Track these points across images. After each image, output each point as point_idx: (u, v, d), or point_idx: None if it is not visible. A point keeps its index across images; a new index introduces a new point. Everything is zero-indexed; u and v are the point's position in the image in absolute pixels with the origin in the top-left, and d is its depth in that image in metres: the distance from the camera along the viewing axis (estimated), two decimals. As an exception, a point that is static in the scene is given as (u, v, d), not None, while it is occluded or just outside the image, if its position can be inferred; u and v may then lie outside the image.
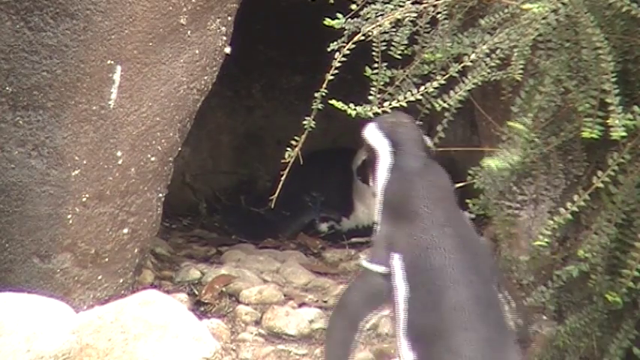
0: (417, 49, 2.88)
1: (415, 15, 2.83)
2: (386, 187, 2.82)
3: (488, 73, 2.62)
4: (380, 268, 2.81)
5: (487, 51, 2.62)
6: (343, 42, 2.86)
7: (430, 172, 2.82)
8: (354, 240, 4.35)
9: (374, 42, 2.85)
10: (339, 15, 2.86)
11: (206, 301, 3.62)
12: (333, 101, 2.78)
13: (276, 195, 3.14)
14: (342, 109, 2.80)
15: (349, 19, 2.87)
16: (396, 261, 2.76)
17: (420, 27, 2.86)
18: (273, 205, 3.21)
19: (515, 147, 2.48)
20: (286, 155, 3.04)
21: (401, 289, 2.77)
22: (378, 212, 2.92)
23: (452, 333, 2.82)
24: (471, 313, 2.78)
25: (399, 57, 2.85)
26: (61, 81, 3.24)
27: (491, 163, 2.42)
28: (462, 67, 2.68)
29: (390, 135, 2.82)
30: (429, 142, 2.92)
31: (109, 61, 3.26)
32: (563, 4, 2.48)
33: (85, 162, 3.29)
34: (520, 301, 2.99)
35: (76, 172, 3.29)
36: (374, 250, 2.91)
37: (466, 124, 4.00)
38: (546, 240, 2.50)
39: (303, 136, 3.01)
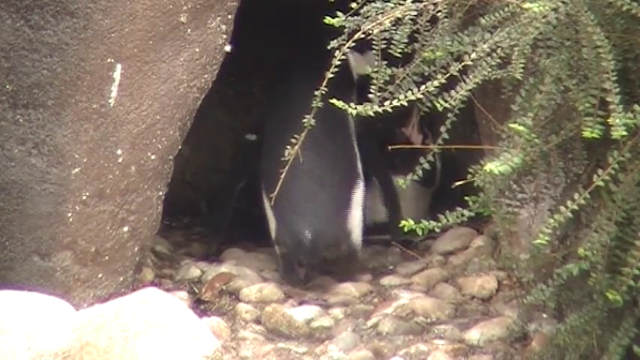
0: (418, 48, 2.88)
1: (415, 13, 2.83)
2: None
3: (489, 72, 2.62)
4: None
5: (487, 50, 2.62)
6: (343, 40, 2.86)
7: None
8: None
9: (374, 40, 2.85)
10: (339, 13, 2.86)
11: (206, 300, 3.62)
12: (333, 100, 2.78)
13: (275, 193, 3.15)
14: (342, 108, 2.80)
15: (349, 17, 2.87)
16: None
17: (421, 25, 2.86)
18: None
19: (516, 147, 2.47)
20: (286, 153, 3.04)
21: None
22: None
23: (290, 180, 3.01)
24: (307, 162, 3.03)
25: (398, 55, 2.86)
26: (62, 79, 3.24)
27: (492, 167, 2.41)
28: (463, 66, 2.68)
29: None
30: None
31: (109, 60, 3.26)
32: (564, 2, 2.48)
33: (85, 160, 3.29)
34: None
35: (77, 170, 3.29)
36: None
37: (466, 123, 3.99)
38: (546, 238, 2.49)
39: (303, 134, 3.00)
